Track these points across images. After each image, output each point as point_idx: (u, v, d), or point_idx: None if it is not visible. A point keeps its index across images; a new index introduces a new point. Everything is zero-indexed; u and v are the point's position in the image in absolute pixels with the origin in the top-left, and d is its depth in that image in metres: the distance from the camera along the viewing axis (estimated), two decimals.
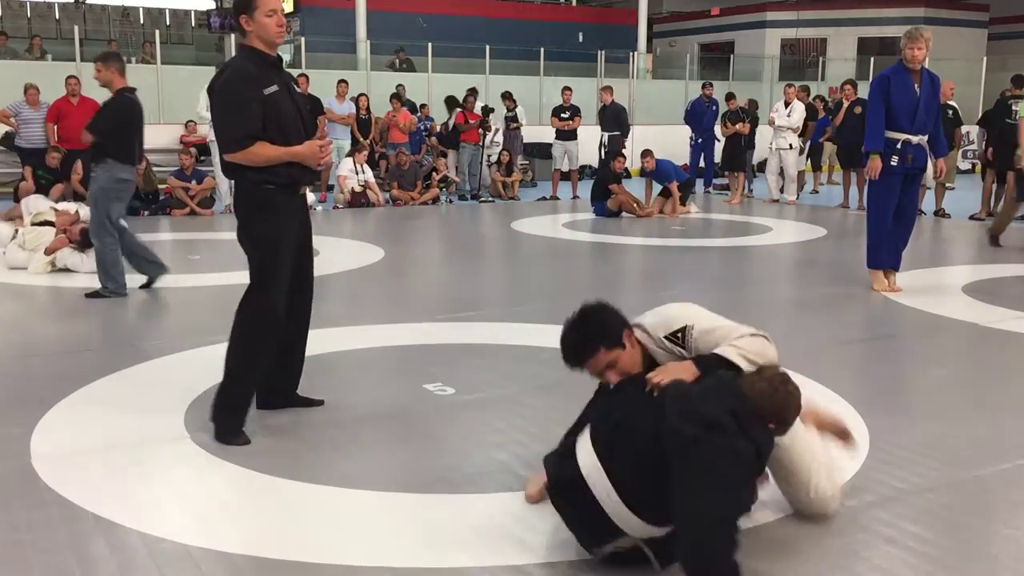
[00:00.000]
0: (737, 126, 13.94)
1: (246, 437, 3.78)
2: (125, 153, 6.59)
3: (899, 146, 6.75)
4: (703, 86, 15.20)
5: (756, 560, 2.87)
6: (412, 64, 17.97)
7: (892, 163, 6.76)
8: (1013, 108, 11.59)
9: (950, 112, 11.90)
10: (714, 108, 14.72)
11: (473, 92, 14.37)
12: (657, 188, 12.74)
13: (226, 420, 3.81)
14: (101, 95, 12.68)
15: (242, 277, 6.80)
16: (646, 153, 12.61)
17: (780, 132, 13.35)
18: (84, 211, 7.95)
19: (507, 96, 14.90)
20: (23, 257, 7.29)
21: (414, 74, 17.12)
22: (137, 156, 6.72)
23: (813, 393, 4.54)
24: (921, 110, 6.74)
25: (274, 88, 3.71)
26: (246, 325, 3.87)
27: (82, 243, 7.44)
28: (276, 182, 3.76)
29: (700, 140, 14.70)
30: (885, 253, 7.05)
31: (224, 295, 7.06)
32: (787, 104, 13.39)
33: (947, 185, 11.83)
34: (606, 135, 13.87)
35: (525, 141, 16.87)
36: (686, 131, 15.15)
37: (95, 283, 6.89)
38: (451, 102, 14.42)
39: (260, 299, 3.84)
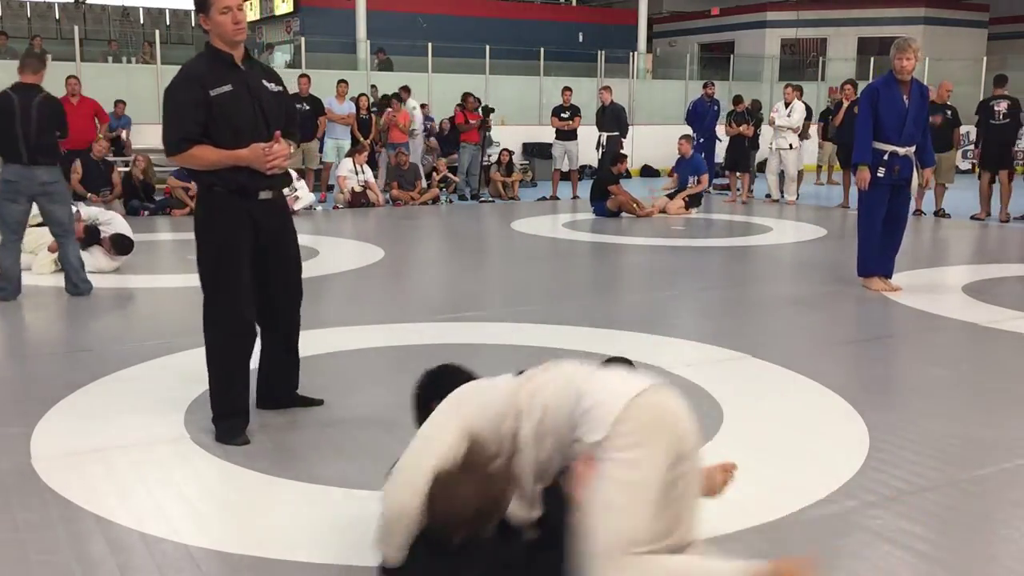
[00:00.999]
0: (741, 128, 13.93)
1: (246, 437, 3.79)
2: (5, 152, 6.37)
3: (886, 158, 6.79)
4: (704, 86, 15.17)
5: (756, 560, 2.87)
6: (391, 64, 17.90)
7: (879, 175, 6.80)
8: (995, 109, 11.66)
9: (948, 112, 11.90)
10: (715, 108, 14.69)
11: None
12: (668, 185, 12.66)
13: (223, 423, 3.83)
14: (100, 95, 12.77)
15: None
16: (685, 138, 12.54)
17: (780, 132, 13.35)
18: (84, 210, 7.95)
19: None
20: (24, 259, 7.26)
21: (417, 74, 17.08)
22: (22, 155, 6.29)
23: (811, 393, 4.55)
24: (909, 122, 6.79)
25: (225, 88, 3.63)
26: (211, 333, 3.84)
27: (85, 240, 7.47)
28: (224, 187, 3.71)
29: (702, 140, 14.68)
30: (875, 261, 7.08)
31: None
32: (787, 104, 13.39)
33: (947, 185, 11.85)
34: (604, 135, 13.85)
35: (524, 141, 16.91)
36: (685, 131, 15.13)
37: (98, 281, 6.90)
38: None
39: (214, 305, 3.81)
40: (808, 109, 14.52)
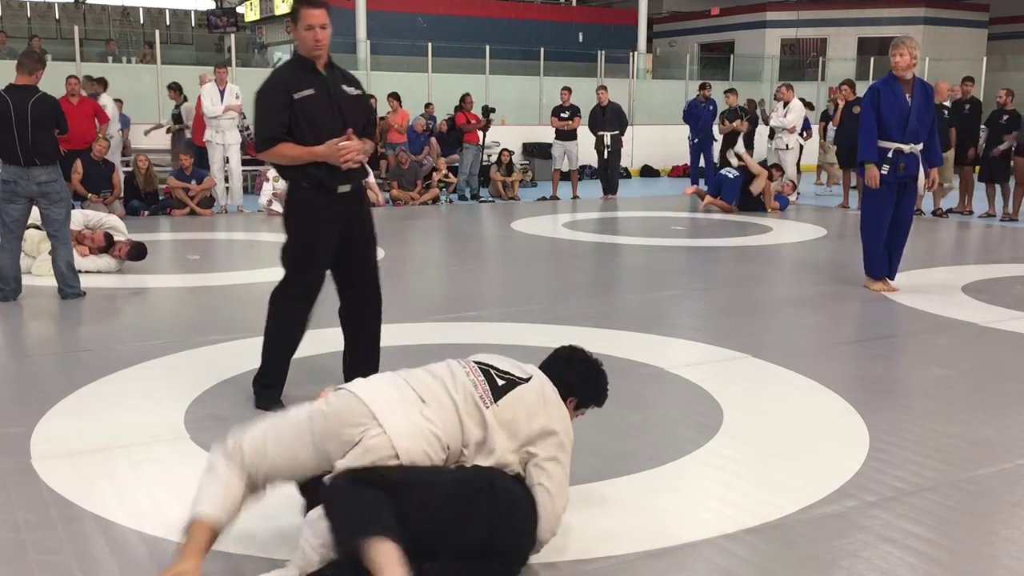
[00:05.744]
0: (734, 124, 13.92)
1: (281, 404, 4.01)
2: (2, 153, 6.40)
3: (890, 155, 6.78)
4: (700, 87, 15.19)
5: (756, 560, 2.88)
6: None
7: (883, 172, 6.78)
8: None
9: (945, 112, 11.93)
10: (711, 108, 14.71)
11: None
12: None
13: (262, 392, 4.23)
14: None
15: (242, 277, 6.85)
16: None
17: (778, 132, 13.36)
18: (81, 215, 7.90)
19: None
20: (24, 263, 7.26)
21: (417, 74, 17.07)
22: (19, 157, 6.31)
23: (811, 393, 4.55)
24: (913, 119, 6.75)
25: (307, 92, 4.01)
26: (274, 311, 4.26)
27: (103, 248, 7.55)
28: (306, 182, 4.07)
29: (697, 140, 14.73)
30: (880, 262, 7.06)
31: (224, 295, 7.08)
32: (785, 104, 13.39)
33: (945, 185, 11.87)
34: (607, 135, 13.86)
35: (525, 141, 16.90)
36: (685, 131, 15.15)
37: (99, 281, 6.88)
38: None
39: (287, 286, 4.21)
40: (810, 106, 14.50)
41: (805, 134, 13.95)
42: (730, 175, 12.49)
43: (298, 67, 4.12)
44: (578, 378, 2.99)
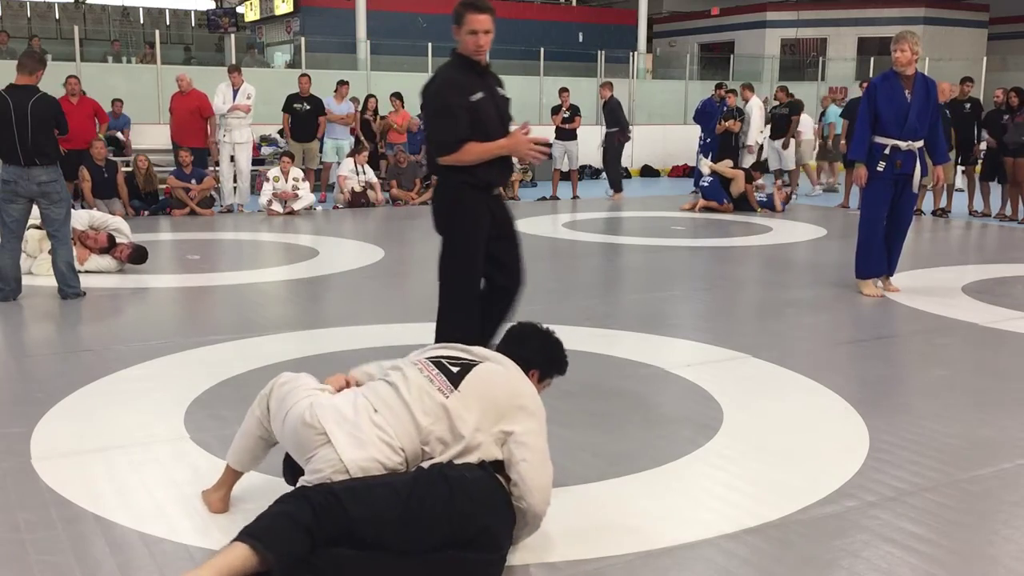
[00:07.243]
0: (727, 123, 13.96)
1: None
2: (2, 153, 6.41)
3: (886, 151, 6.74)
4: (716, 86, 15.18)
5: (756, 560, 2.88)
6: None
7: (879, 168, 6.76)
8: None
9: (948, 112, 11.92)
10: (725, 108, 14.71)
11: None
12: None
13: None
14: (100, 95, 12.75)
15: (242, 277, 6.85)
16: None
17: (743, 131, 13.67)
18: (86, 216, 7.90)
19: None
20: (24, 263, 7.26)
21: (417, 74, 17.04)
22: (19, 157, 6.33)
23: (811, 393, 4.55)
24: (912, 116, 6.69)
25: (480, 95, 4.07)
26: (452, 312, 4.39)
27: (105, 248, 7.56)
28: (473, 183, 4.13)
29: (709, 140, 14.71)
30: (875, 261, 7.03)
31: (224, 295, 7.08)
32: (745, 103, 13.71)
33: (953, 186, 11.93)
34: (603, 131, 13.91)
35: None
36: (685, 131, 15.13)
37: (99, 281, 6.87)
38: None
39: (455, 285, 4.34)
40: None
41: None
42: (705, 183, 12.69)
43: (466, 68, 4.12)
44: (534, 351, 3.08)
